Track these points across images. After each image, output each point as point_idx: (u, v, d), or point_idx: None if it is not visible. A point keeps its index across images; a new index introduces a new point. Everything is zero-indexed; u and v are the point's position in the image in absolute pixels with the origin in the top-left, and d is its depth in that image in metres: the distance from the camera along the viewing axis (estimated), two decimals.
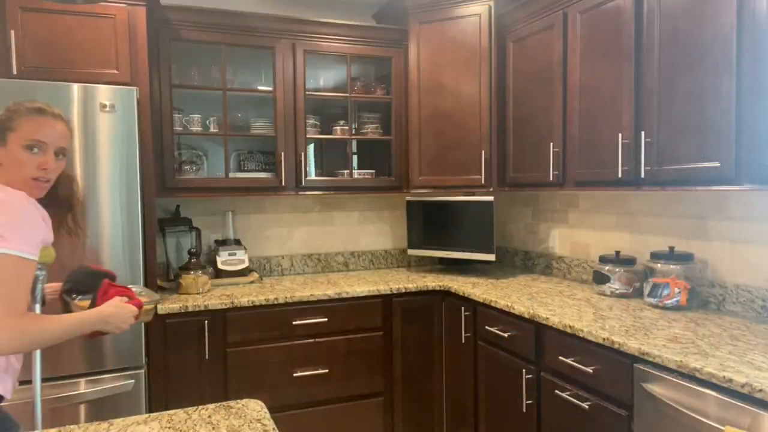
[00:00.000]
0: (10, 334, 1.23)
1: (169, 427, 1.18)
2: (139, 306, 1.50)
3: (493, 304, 2.48)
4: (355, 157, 3.42)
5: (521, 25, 2.83)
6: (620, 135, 2.20)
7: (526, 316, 2.25)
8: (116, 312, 1.43)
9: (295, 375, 2.67)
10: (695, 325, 1.96)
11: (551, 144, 2.61)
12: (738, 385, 1.42)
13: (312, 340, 2.72)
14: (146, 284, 2.45)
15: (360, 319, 2.81)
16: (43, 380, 2.17)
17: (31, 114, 1.40)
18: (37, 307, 1.46)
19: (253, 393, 2.58)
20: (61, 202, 1.54)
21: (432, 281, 2.98)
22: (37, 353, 1.49)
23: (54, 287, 1.58)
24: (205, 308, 2.51)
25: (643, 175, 2.10)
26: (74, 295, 1.51)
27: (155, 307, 1.66)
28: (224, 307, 2.54)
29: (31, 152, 1.38)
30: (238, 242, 3.13)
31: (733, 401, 1.44)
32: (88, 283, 1.52)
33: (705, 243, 2.29)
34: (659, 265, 2.26)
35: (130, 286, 1.64)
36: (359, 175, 3.19)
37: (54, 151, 1.42)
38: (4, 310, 1.23)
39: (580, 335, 1.96)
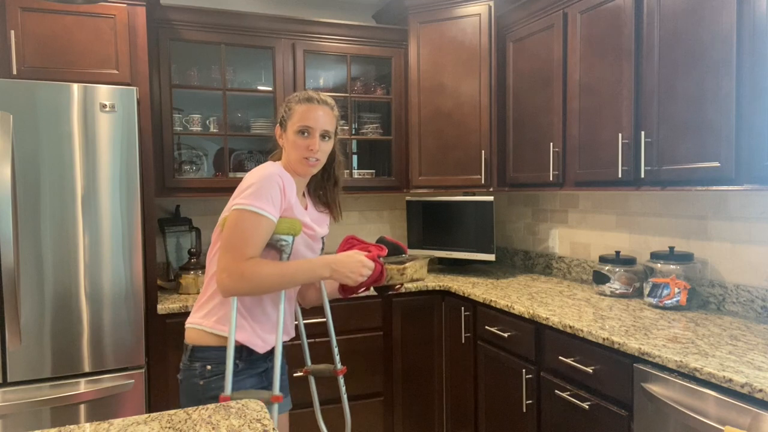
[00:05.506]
0: (232, 276, 1.44)
1: (169, 427, 1.18)
2: (373, 258, 1.56)
3: (493, 304, 2.48)
4: (355, 157, 3.42)
5: (521, 25, 2.83)
6: (620, 135, 2.20)
7: (526, 316, 2.25)
8: (342, 260, 1.54)
9: (295, 375, 2.67)
10: (695, 325, 1.96)
11: (551, 144, 2.61)
12: (738, 385, 1.42)
13: (312, 340, 2.71)
14: (145, 284, 2.44)
15: (360, 319, 2.81)
16: (44, 380, 2.19)
17: (302, 102, 1.61)
18: None
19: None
20: (333, 180, 1.75)
21: (432, 281, 2.97)
22: (280, 322, 1.58)
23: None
24: None
25: (643, 175, 2.10)
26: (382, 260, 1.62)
27: (416, 271, 1.65)
28: None
29: (302, 136, 1.58)
30: None
31: (733, 401, 1.44)
32: (391, 250, 1.68)
33: (705, 243, 2.29)
34: (659, 265, 2.26)
35: (407, 255, 1.74)
36: (359, 175, 3.19)
37: (320, 134, 1.60)
38: (232, 254, 1.44)
39: (580, 335, 1.96)
